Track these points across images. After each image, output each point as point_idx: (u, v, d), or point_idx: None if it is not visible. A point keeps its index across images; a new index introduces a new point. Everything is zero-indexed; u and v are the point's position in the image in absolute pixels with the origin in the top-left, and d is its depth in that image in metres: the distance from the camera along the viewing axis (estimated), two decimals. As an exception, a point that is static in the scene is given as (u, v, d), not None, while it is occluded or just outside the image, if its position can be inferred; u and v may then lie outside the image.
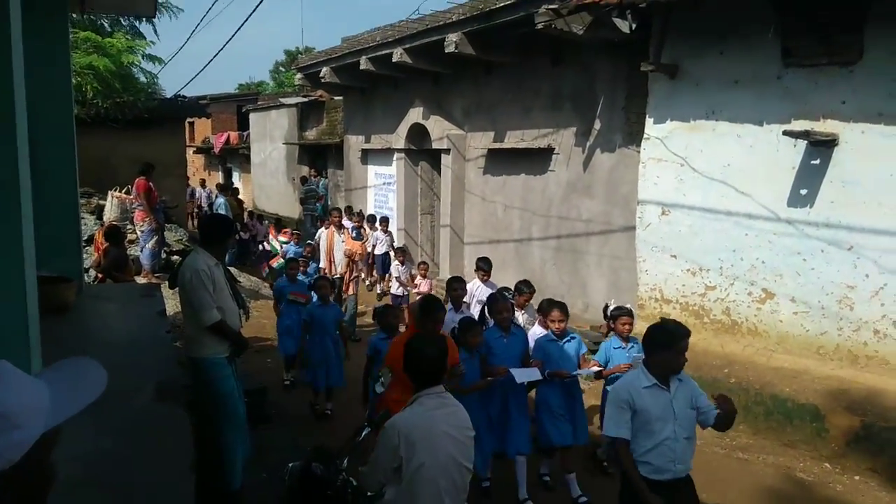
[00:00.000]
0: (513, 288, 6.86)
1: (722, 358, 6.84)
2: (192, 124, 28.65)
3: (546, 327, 5.47)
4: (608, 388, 5.15)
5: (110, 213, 10.97)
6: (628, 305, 5.57)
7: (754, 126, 6.65)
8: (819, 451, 5.83)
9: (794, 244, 6.40)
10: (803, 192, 6.29)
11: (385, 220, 12.76)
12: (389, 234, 12.65)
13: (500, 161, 10.38)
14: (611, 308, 5.50)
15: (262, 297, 12.31)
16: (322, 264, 10.15)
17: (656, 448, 3.33)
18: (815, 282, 6.30)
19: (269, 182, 21.57)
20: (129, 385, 3.23)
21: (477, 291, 7.38)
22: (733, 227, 6.86)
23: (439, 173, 12.08)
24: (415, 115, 12.19)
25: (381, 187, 14.36)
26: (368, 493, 2.99)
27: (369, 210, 14.86)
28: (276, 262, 11.35)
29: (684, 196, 7.27)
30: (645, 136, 7.58)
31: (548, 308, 5.39)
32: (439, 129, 11.46)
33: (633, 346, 5.21)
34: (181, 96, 17.52)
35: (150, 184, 10.21)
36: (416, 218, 13.18)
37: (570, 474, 5.10)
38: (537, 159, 9.55)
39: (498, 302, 5.26)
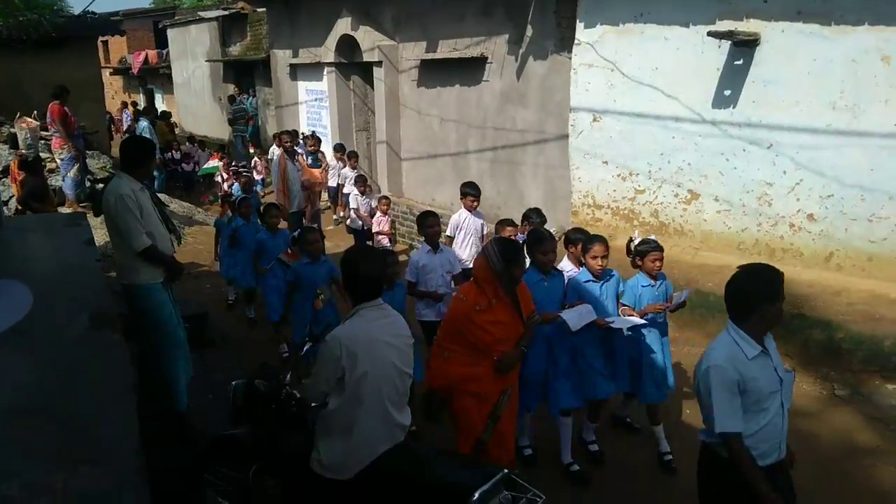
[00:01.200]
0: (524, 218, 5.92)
1: (651, 258, 7.14)
2: (105, 43, 26.90)
3: (578, 264, 4.63)
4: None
5: (23, 141, 10.37)
6: (653, 237, 4.73)
7: (681, 28, 6.70)
8: (738, 339, 6.24)
9: (718, 145, 6.63)
10: (727, 92, 6.46)
11: (354, 156, 11.44)
12: (357, 169, 11.19)
13: (434, 72, 10.18)
14: (636, 242, 4.59)
15: (196, 222, 12.07)
16: (276, 198, 8.90)
17: (764, 429, 2.71)
18: (736, 181, 6.58)
19: (195, 103, 20.64)
20: (60, 315, 3.17)
21: (465, 222, 6.63)
22: (661, 131, 7.02)
23: (373, 87, 11.78)
24: (343, 25, 11.73)
25: (313, 104, 13.94)
26: (312, 405, 3.09)
27: (303, 129, 14.49)
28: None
29: (614, 101, 7.35)
30: (576, 41, 7.55)
31: (587, 242, 4.46)
32: (369, 41, 11.08)
33: (661, 283, 4.55)
34: (90, 13, 16.30)
35: (66, 109, 9.64)
36: (351, 135, 12.92)
37: (592, 424, 4.67)
38: (471, 69, 9.41)
39: (546, 240, 4.35)
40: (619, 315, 4.41)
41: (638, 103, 7.16)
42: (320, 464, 2.94)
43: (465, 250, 6.59)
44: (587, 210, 7.97)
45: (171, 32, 21.85)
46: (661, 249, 4.49)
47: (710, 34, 6.21)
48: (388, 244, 9.28)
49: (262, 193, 12.77)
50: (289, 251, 6.17)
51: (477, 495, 2.63)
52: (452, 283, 5.38)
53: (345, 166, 11.37)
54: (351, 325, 2.97)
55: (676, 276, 6.77)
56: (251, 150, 15.21)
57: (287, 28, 14.23)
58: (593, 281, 4.42)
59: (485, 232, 6.76)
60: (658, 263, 4.46)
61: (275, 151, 12.91)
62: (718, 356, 2.74)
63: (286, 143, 9.13)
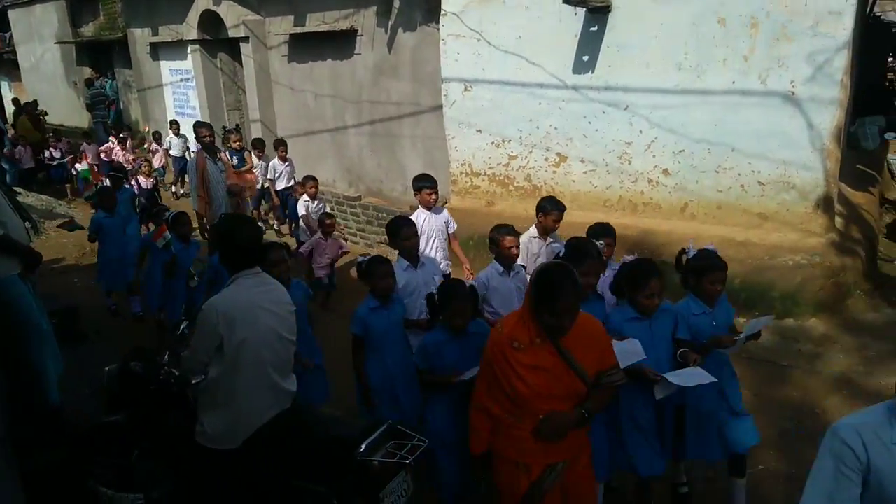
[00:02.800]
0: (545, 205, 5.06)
1: (527, 220, 7.35)
2: (-66, 26, 24.12)
3: (623, 298, 3.48)
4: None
5: None
6: (712, 246, 3.59)
7: (539, -4, 6.97)
8: (608, 288, 6.67)
9: (581, 108, 6.99)
10: (585, 58, 6.81)
11: (283, 144, 9.77)
12: (289, 161, 9.73)
13: (305, 47, 9.99)
14: (690, 253, 3.49)
15: (58, 216, 11.28)
16: (195, 206, 7.35)
17: None
18: (599, 142, 6.98)
19: (47, 89, 19.02)
20: None
21: (424, 223, 5.35)
22: (528, 98, 7.31)
23: (241, 65, 11.38)
24: (204, 0, 11.22)
25: (179, 85, 13.28)
26: (193, 381, 3.05)
27: (169, 112, 13.78)
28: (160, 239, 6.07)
29: (483, 71, 7.56)
30: (442, 11, 7.66)
31: (643, 278, 3.28)
32: (234, 16, 10.68)
33: (721, 309, 3.43)
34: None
35: None
36: (222, 115, 12.44)
37: None
38: (342, 43, 9.31)
39: (588, 259, 3.45)
40: (676, 360, 3.31)
41: (505, 72, 7.40)
42: (205, 436, 2.92)
43: (432, 255, 5.41)
44: (465, 178, 8.17)
45: (12, 14, 19.97)
46: (724, 267, 3.40)
47: (565, 1, 6.50)
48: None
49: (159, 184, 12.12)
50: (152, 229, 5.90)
51: (363, 446, 2.73)
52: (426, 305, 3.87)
53: (270, 159, 9.83)
54: (228, 292, 2.95)
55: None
56: (112, 135, 13.66)
57: (143, 4, 13.42)
58: (638, 318, 3.32)
59: (451, 230, 5.64)
60: (719, 287, 3.36)
61: (172, 142, 12.42)
62: (850, 419, 2.03)
63: (205, 137, 7.31)
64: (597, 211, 7.12)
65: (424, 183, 5.40)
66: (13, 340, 4.07)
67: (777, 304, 5.80)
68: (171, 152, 12.55)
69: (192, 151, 10.40)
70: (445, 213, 5.70)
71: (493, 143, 7.80)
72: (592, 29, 6.67)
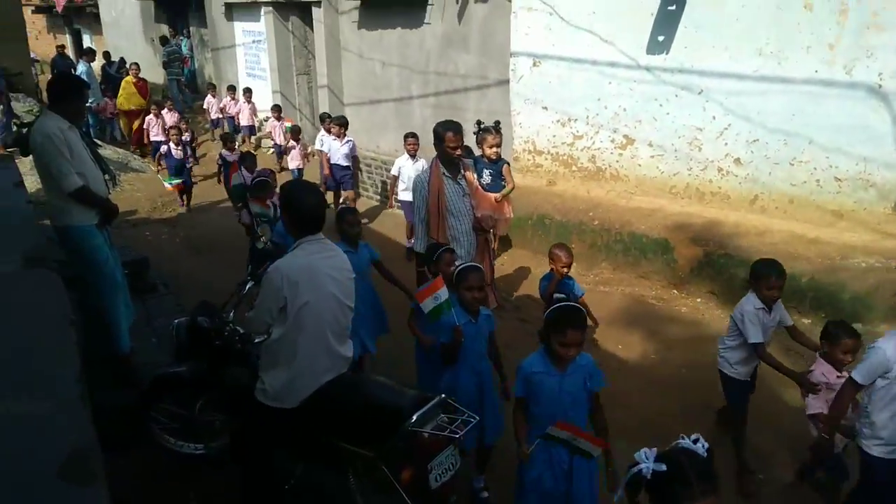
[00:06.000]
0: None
1: (588, 202, 7.37)
2: (24, -22, 25.04)
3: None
4: None
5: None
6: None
7: (618, -28, 6.77)
8: (668, 279, 6.56)
9: (652, 90, 6.80)
10: (660, 38, 6.60)
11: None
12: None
13: (375, 14, 10.00)
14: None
15: (132, 169, 11.71)
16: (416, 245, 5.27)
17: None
18: (669, 126, 6.80)
19: (126, 44, 19.64)
20: (-8, 256, 3.14)
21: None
22: (598, 77, 7.15)
23: (312, 29, 11.49)
24: (280, -37, 11.35)
25: (251, 46, 13.51)
26: (256, 340, 3.17)
27: (241, 73, 14.06)
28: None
29: (553, 46, 7.42)
30: (516, -17, 7.55)
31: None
32: (308, -21, 10.78)
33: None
34: (5, -56, 15.15)
35: (-19, 48, 9.11)
36: (291, 79, 12.63)
37: None
38: (412, 11, 9.27)
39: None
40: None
41: (576, 48, 7.25)
42: (265, 393, 3.04)
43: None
44: (528, 156, 8.10)
45: (96, -32, 20.63)
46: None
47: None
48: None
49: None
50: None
51: (415, 417, 2.79)
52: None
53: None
54: (293, 256, 3.03)
55: (612, 220, 7.03)
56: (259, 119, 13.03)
57: (221, -35, 13.66)
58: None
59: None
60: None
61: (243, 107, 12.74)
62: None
63: (451, 145, 4.93)
64: (662, 197, 6.97)
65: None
66: (89, 288, 4.29)
67: (846, 307, 5.57)
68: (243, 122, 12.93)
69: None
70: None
71: (558, 121, 7.69)
72: (670, 8, 6.45)
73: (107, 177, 4.45)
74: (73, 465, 1.85)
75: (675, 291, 6.47)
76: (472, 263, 3.83)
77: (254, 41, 13.29)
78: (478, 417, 2.95)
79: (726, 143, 6.50)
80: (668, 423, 4.25)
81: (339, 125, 9.22)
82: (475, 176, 5.40)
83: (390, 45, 9.90)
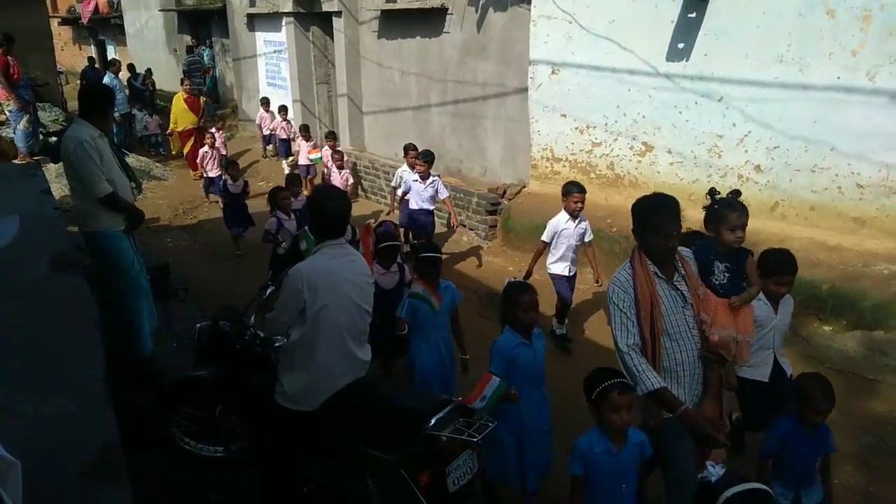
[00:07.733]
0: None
1: (606, 210, 7.34)
2: (51, -9, 25.63)
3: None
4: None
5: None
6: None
7: (637, -20, 6.77)
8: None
9: (672, 98, 6.79)
10: (680, 45, 6.59)
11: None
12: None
13: (395, 23, 10.09)
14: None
15: (154, 177, 11.89)
16: None
17: None
18: (688, 133, 6.77)
19: (149, 55, 19.98)
20: (21, 260, 3.21)
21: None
22: (617, 84, 7.15)
23: (332, 39, 11.61)
24: (301, -26, 11.49)
25: (272, 56, 13.68)
26: (276, 344, 3.20)
27: (261, 82, 14.23)
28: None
29: (572, 54, 7.44)
30: (535, -8, 7.58)
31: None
32: (328, -10, 10.90)
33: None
34: (34, -42, 15.51)
35: (9, 59, 9.32)
36: (311, 88, 12.76)
37: None
38: (431, 20, 9.35)
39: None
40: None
41: (595, 56, 7.26)
42: (284, 396, 3.07)
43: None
44: (546, 163, 8.11)
45: (121, -20, 21.03)
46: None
47: (666, -13, 6.30)
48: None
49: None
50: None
51: (433, 421, 2.80)
52: None
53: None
54: (313, 260, 3.08)
55: (630, 228, 6.98)
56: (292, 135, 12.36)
57: (243, -24, 13.86)
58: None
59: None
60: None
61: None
62: None
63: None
64: (682, 204, 6.91)
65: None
66: (114, 293, 4.37)
67: (867, 314, 5.51)
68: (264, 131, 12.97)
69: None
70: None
71: (577, 128, 7.69)
72: (691, 15, 6.44)
73: (133, 185, 4.54)
74: (99, 464, 1.89)
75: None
76: (520, 281, 3.62)
77: (275, 51, 13.46)
78: (495, 422, 2.96)
79: (746, 150, 6.46)
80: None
81: (426, 162, 7.32)
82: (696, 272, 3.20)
83: (409, 53, 9.98)
